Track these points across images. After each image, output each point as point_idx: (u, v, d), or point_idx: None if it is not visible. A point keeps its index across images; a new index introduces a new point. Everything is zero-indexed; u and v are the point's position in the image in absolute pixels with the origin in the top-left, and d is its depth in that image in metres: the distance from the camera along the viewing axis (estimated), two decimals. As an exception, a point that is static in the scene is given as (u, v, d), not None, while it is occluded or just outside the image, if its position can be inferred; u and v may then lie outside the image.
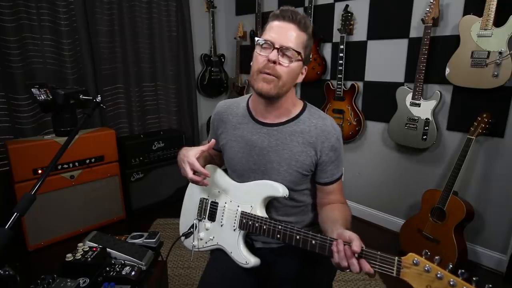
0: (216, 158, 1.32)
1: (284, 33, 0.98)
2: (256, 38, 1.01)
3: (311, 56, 2.67)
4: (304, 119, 1.09)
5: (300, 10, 2.81)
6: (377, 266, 0.80)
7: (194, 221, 1.19)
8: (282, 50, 0.97)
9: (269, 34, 0.99)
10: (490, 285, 0.69)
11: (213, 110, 1.24)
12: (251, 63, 1.04)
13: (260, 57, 0.99)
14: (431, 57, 2.06)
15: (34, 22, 2.33)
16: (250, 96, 1.17)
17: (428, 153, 2.27)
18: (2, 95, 2.28)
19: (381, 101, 2.43)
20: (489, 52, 1.79)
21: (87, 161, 2.37)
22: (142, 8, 2.90)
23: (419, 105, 2.13)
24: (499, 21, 1.78)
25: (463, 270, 0.73)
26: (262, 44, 0.99)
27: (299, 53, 0.99)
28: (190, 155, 1.04)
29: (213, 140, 1.12)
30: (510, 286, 1.91)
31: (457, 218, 1.87)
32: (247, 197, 1.08)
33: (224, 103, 1.23)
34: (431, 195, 2.01)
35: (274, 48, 0.97)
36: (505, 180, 1.97)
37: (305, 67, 1.07)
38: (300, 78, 1.06)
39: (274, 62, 0.97)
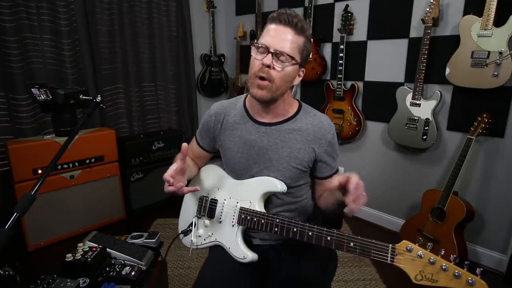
0: (201, 159, 1.30)
1: (279, 37, 0.99)
2: (254, 42, 1.03)
3: (311, 56, 2.68)
4: (301, 118, 1.12)
5: (300, 10, 2.81)
6: (372, 254, 0.84)
7: (193, 218, 1.20)
8: (276, 55, 0.98)
9: (265, 38, 1.00)
10: (481, 268, 0.72)
11: (208, 111, 1.23)
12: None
13: (256, 61, 1.01)
14: (431, 57, 2.06)
15: (34, 22, 2.33)
16: (246, 96, 1.18)
17: (428, 153, 2.27)
18: (2, 95, 2.27)
19: (381, 101, 2.43)
20: (489, 52, 1.79)
21: (87, 161, 2.37)
22: (142, 8, 2.90)
23: (419, 105, 2.13)
24: (499, 21, 1.78)
25: (455, 256, 0.76)
26: (259, 48, 1.01)
27: (293, 58, 1.00)
28: (166, 174, 1.09)
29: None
30: (510, 286, 1.91)
31: (457, 218, 1.87)
32: (246, 193, 1.11)
33: (220, 104, 1.23)
34: (431, 195, 2.01)
35: (269, 52, 0.98)
36: (505, 180, 1.97)
37: (303, 69, 1.08)
38: (297, 80, 1.08)
39: (269, 66, 0.98)
